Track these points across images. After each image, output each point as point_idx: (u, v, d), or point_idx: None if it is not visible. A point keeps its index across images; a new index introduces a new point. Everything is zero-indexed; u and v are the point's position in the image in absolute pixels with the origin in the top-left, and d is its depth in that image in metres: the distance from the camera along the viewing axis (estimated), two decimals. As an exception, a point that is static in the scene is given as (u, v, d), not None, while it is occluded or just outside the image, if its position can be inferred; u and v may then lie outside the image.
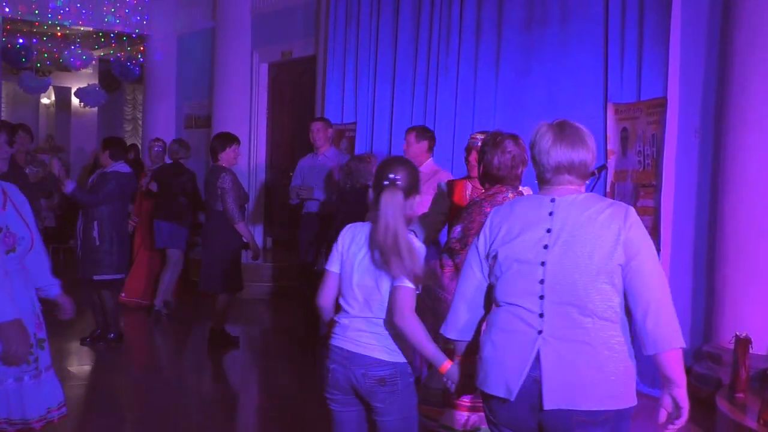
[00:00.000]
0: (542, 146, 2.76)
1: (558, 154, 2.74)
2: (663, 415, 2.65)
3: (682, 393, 2.62)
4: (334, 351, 3.14)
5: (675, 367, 2.61)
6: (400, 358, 3.11)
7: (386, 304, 3.06)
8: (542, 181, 2.79)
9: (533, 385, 2.59)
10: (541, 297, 2.63)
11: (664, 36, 6.08)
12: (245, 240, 7.15)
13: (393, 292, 3.02)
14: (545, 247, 2.65)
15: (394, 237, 2.99)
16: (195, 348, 7.55)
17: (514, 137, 4.06)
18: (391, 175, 3.05)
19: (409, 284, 3.01)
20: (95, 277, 6.95)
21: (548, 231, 2.68)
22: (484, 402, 2.79)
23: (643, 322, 2.59)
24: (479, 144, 4.41)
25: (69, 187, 6.89)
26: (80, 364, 6.81)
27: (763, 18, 5.63)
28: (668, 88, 6.07)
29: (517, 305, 2.67)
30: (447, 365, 3.00)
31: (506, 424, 2.72)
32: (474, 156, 4.69)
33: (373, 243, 3.04)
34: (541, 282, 2.63)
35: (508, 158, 4.00)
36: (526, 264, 2.67)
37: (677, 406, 2.63)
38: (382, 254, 3.00)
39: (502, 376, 2.65)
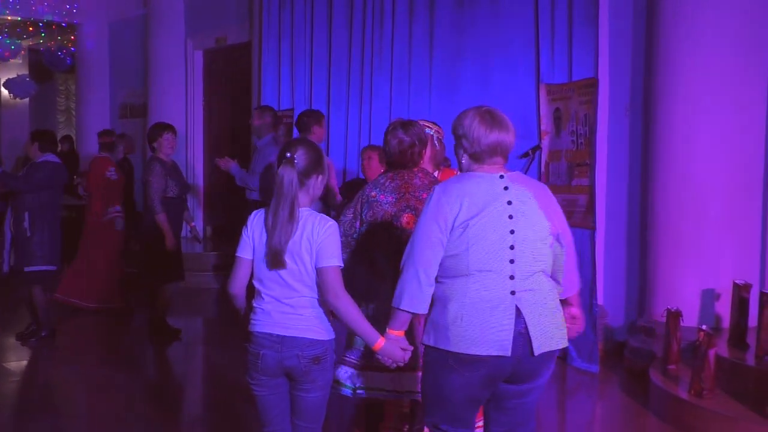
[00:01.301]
0: (477, 129, 3.07)
1: (494, 136, 3.07)
2: (569, 331, 3.20)
3: (578, 311, 3.29)
4: (262, 337, 3.12)
5: (578, 299, 3.32)
6: (331, 335, 3.17)
7: (311, 282, 3.08)
8: (476, 160, 3.09)
9: (519, 338, 2.95)
10: (512, 261, 2.98)
11: (593, 16, 6.15)
12: (164, 232, 6.98)
13: (321, 272, 3.05)
14: (510, 217, 2.99)
15: (290, 208, 3.03)
16: (135, 342, 7.46)
17: (406, 124, 4.20)
18: (288, 154, 3.09)
19: (336, 263, 3.06)
20: (26, 269, 6.80)
21: (509, 203, 3.01)
22: (458, 364, 2.97)
23: (568, 275, 3.18)
24: (429, 133, 4.53)
25: None
26: (17, 359, 6.69)
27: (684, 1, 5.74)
28: (598, 68, 6.15)
29: (489, 271, 2.97)
30: (381, 342, 3.09)
31: (486, 379, 3.00)
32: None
33: (276, 218, 3.05)
34: (512, 248, 2.98)
35: (395, 144, 4.14)
36: (497, 233, 2.97)
37: (575, 319, 3.26)
38: (280, 227, 3.03)
39: (490, 337, 2.94)
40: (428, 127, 4.65)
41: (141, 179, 7.21)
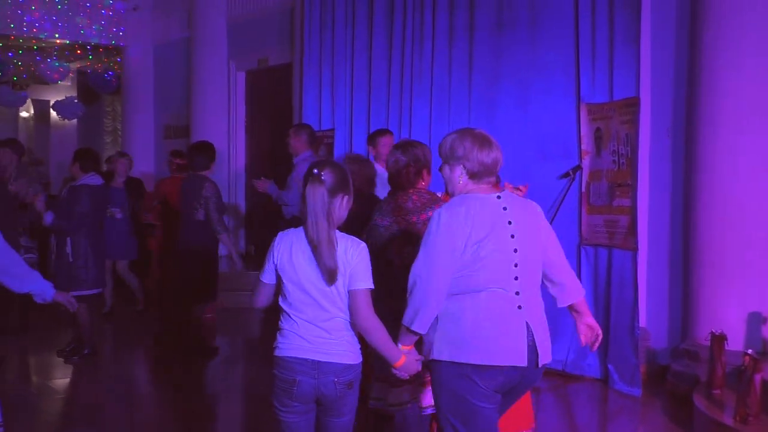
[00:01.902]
0: (479, 150, 3.16)
1: (494, 155, 3.19)
2: (587, 339, 3.39)
3: (592, 320, 3.41)
4: (297, 363, 3.10)
5: (586, 305, 3.44)
6: (360, 358, 3.18)
7: (344, 305, 3.10)
8: (476, 179, 3.20)
9: (530, 350, 3.12)
10: (516, 278, 3.13)
11: (634, 35, 6.11)
12: (228, 251, 7.26)
13: (353, 294, 3.07)
14: (512, 236, 3.13)
15: (319, 228, 3.05)
16: (174, 360, 7.52)
17: (406, 145, 4.30)
18: (316, 171, 3.11)
19: (368, 285, 3.09)
20: (72, 294, 6.89)
21: (510, 223, 3.15)
22: (478, 375, 3.06)
23: (569, 282, 3.35)
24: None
25: (47, 219, 6.82)
26: (62, 377, 6.78)
27: (729, 18, 5.68)
28: (640, 87, 6.10)
29: (498, 288, 3.10)
30: (403, 360, 3.15)
31: (499, 388, 3.13)
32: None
33: (309, 239, 3.07)
34: (516, 266, 3.13)
35: (392, 164, 4.25)
36: (503, 253, 3.11)
37: (591, 328, 3.38)
38: (314, 247, 3.04)
39: (509, 347, 3.09)
40: None
41: (182, 197, 7.29)
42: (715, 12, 5.76)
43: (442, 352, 3.11)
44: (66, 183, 13.13)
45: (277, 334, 3.19)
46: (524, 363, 3.09)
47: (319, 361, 3.09)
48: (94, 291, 7.09)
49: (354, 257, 3.07)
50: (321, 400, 3.13)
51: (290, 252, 3.11)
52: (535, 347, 3.12)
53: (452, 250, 3.06)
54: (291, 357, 3.12)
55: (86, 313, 7.02)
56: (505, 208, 3.15)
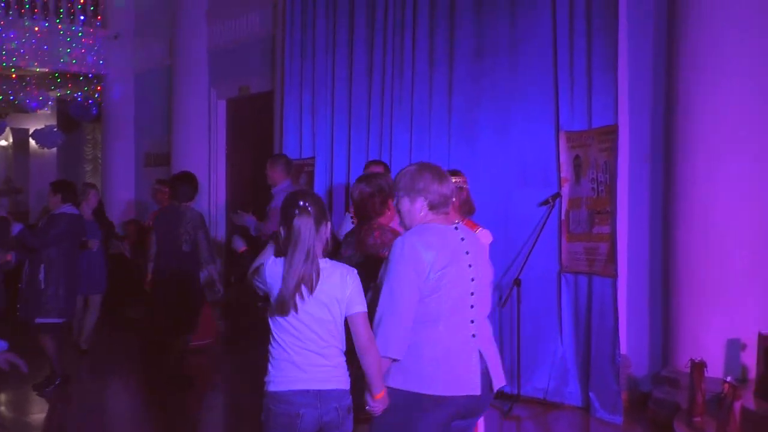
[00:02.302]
0: (438, 183, 3.27)
1: (449, 186, 3.32)
2: None
3: None
4: (299, 395, 3.06)
5: None
6: (349, 382, 3.21)
7: (339, 332, 3.12)
8: (435, 210, 3.29)
9: (484, 377, 3.22)
10: (472, 306, 3.24)
11: (611, 63, 6.15)
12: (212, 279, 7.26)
13: (352, 318, 3.09)
14: (469, 266, 3.25)
15: (305, 254, 3.06)
16: (154, 390, 7.43)
17: (371, 177, 4.34)
18: (301, 203, 3.13)
19: (364, 308, 3.12)
20: (37, 320, 6.85)
21: (467, 253, 3.26)
22: (433, 405, 3.11)
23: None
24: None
25: (15, 228, 6.79)
26: (39, 411, 6.68)
27: (705, 43, 5.73)
28: (618, 114, 6.13)
29: (457, 317, 3.20)
30: (383, 393, 3.13)
31: (453, 417, 3.19)
32: None
33: (290, 266, 3.06)
34: (472, 294, 3.24)
35: (356, 195, 4.24)
36: (462, 281, 3.21)
37: None
38: (307, 278, 3.05)
39: (464, 377, 3.17)
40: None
41: (164, 229, 7.27)
42: (691, 38, 5.80)
43: (397, 379, 3.15)
44: (45, 213, 13.04)
45: (268, 366, 3.14)
46: (479, 392, 3.19)
47: (320, 390, 3.08)
48: (60, 320, 7.03)
49: (350, 283, 3.12)
50: (323, 428, 3.11)
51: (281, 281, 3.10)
52: (488, 374, 3.23)
53: (417, 276, 3.12)
54: (290, 390, 3.08)
55: (52, 343, 6.95)
56: (462, 239, 3.28)
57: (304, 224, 3.08)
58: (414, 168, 3.33)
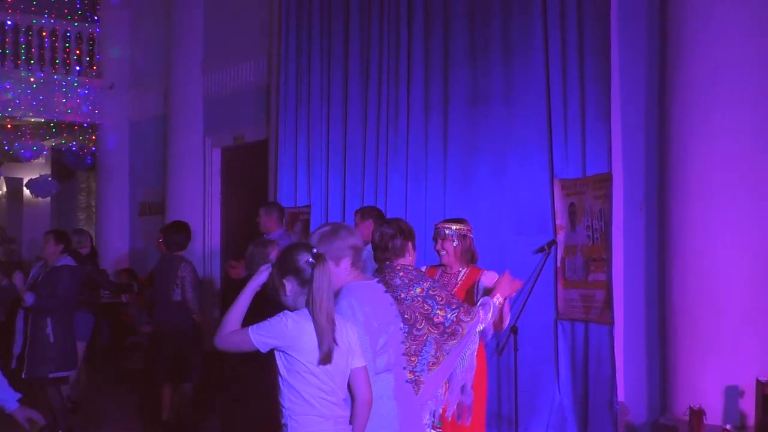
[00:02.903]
0: (351, 239, 3.40)
1: (361, 241, 3.50)
2: None
3: None
4: None
5: None
6: None
7: (345, 383, 3.14)
8: (357, 266, 3.44)
9: None
10: (403, 353, 3.60)
11: (605, 111, 6.21)
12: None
13: (357, 372, 3.13)
14: (395, 315, 3.57)
15: (330, 308, 3.07)
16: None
17: (389, 220, 4.66)
18: (316, 250, 3.15)
19: (364, 362, 3.18)
20: (50, 375, 6.80)
21: (390, 304, 3.54)
22: None
23: None
24: (445, 233, 4.91)
25: (29, 300, 6.72)
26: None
27: (697, 94, 5.78)
28: (612, 162, 6.18)
29: (396, 367, 3.51)
30: None
31: None
32: (440, 244, 5.00)
33: (327, 318, 3.07)
34: (403, 343, 3.60)
35: (377, 237, 4.47)
36: (396, 333, 3.50)
37: None
38: (326, 328, 3.04)
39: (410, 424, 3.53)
40: (447, 227, 4.80)
41: (157, 277, 7.31)
42: (683, 88, 5.85)
43: None
44: (38, 261, 12.97)
45: (287, 422, 3.10)
46: None
47: None
48: (71, 372, 7.08)
49: (353, 334, 3.16)
50: None
51: (308, 334, 3.07)
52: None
53: (370, 339, 3.29)
54: None
55: (59, 395, 6.91)
56: (385, 291, 3.56)
57: (325, 273, 3.07)
58: (329, 228, 3.44)
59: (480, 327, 4.34)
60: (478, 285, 4.92)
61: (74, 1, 13.73)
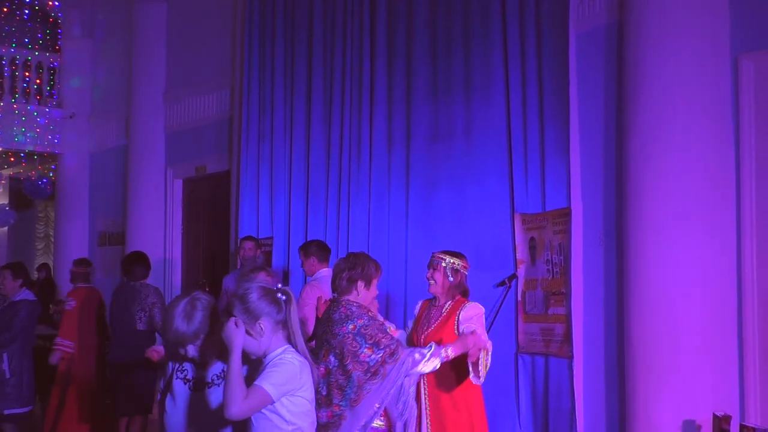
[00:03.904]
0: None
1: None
2: None
3: None
4: None
5: None
6: None
7: None
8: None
9: None
10: None
11: (564, 147, 6.32)
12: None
13: None
14: None
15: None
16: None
17: (350, 256, 4.67)
18: (279, 286, 3.20)
19: None
20: (6, 412, 6.71)
21: None
22: None
23: None
24: (438, 263, 5.02)
25: None
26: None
27: (653, 130, 5.91)
28: (571, 198, 6.28)
29: None
30: None
31: None
32: (431, 273, 5.11)
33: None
34: None
35: (333, 270, 4.60)
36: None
37: None
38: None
39: None
40: (442, 259, 4.85)
41: (117, 307, 7.27)
42: (639, 124, 5.98)
43: None
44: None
45: None
46: None
47: None
48: (28, 409, 6.93)
49: None
50: None
51: (307, 369, 3.11)
52: None
53: None
54: None
55: None
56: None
57: (293, 306, 3.15)
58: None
59: (420, 369, 4.38)
60: (459, 317, 4.99)
61: (36, 30, 13.66)
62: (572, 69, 6.43)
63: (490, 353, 4.84)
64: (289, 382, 2.99)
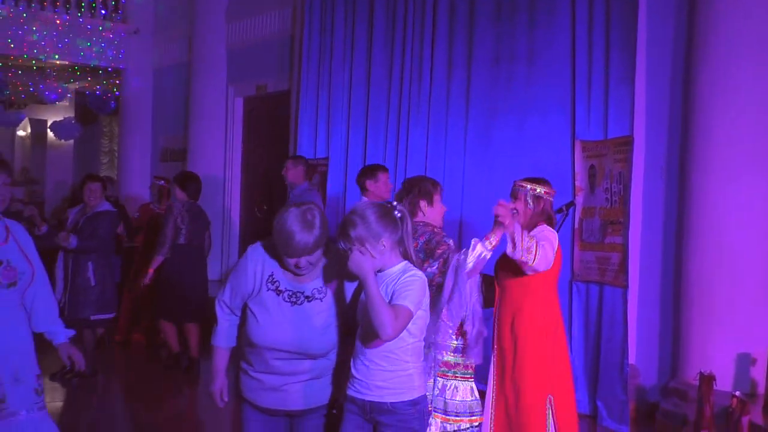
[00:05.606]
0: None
1: None
2: None
3: None
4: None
5: None
6: None
7: None
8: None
9: None
10: None
11: (629, 75, 6.17)
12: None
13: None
14: None
15: None
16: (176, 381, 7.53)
17: (408, 181, 4.91)
18: (395, 204, 3.28)
19: None
20: (92, 317, 7.04)
21: None
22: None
23: None
24: (520, 191, 4.66)
25: (72, 242, 6.96)
26: (52, 400, 6.75)
27: (723, 60, 5.74)
28: (634, 126, 6.16)
29: None
30: None
31: None
32: (513, 203, 4.70)
33: None
34: None
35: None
36: None
37: None
38: None
39: None
40: (521, 186, 4.67)
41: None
42: (710, 54, 5.82)
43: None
44: (65, 203, 13.11)
45: (414, 365, 3.14)
46: None
47: None
48: (112, 315, 7.33)
49: None
50: None
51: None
52: None
53: None
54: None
55: (92, 338, 7.24)
56: None
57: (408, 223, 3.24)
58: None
59: (469, 263, 4.28)
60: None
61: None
62: (641, -7, 6.24)
63: (536, 240, 4.41)
64: (421, 298, 3.07)
